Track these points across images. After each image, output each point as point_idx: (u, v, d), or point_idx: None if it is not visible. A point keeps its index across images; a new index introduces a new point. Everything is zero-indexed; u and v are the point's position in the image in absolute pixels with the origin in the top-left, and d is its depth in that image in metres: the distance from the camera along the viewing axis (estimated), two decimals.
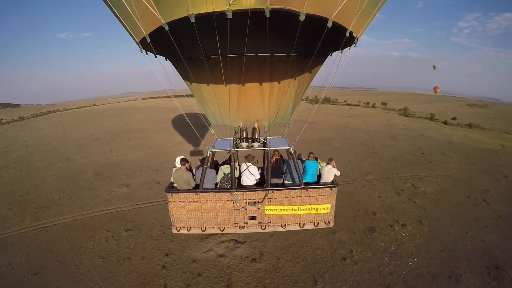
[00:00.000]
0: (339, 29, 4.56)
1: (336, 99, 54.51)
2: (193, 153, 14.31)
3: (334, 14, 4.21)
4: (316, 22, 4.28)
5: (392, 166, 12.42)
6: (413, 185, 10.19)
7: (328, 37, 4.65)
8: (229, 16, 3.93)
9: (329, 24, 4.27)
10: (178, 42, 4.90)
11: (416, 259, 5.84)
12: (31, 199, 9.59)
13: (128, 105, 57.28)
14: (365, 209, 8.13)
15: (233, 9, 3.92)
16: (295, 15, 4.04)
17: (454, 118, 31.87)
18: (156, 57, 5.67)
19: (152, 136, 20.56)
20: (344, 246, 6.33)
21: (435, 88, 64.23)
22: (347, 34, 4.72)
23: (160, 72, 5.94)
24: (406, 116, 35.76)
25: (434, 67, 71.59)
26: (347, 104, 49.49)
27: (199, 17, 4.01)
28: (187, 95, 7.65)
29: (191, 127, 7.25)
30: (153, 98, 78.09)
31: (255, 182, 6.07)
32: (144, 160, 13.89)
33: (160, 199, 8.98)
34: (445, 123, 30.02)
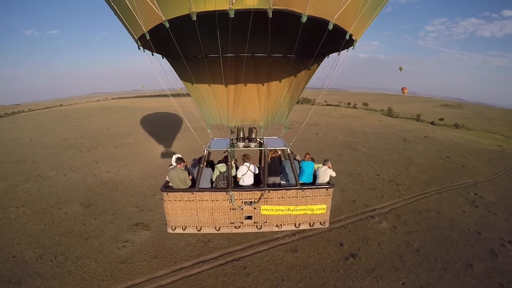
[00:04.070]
0: (338, 32, 4.52)
1: (314, 99, 54.45)
2: (195, 155, 11.68)
3: (336, 17, 4.18)
4: (315, 23, 4.23)
5: (438, 174, 11.68)
6: (476, 194, 9.58)
7: (326, 39, 4.64)
8: (232, 15, 3.88)
9: (330, 27, 4.24)
10: (176, 40, 4.77)
11: None
12: None
13: (99, 105, 51.87)
14: (467, 229, 7.19)
15: (236, 8, 3.84)
16: (296, 16, 4.01)
17: (441, 119, 33.26)
18: (153, 55, 5.58)
19: (144, 141, 17.26)
20: (492, 281, 5.33)
21: (403, 88, 68.45)
22: (347, 37, 4.66)
23: (146, 70, 5.95)
24: (391, 117, 36.64)
25: (400, 68, 76.51)
26: (328, 105, 49.46)
27: (200, 15, 3.94)
28: (179, 95, 7.61)
29: (184, 128, 5.71)
30: (123, 98, 71.56)
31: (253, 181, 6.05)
32: (151, 178, 10.22)
33: (219, 249, 5.80)
34: (432, 123, 31.18)
